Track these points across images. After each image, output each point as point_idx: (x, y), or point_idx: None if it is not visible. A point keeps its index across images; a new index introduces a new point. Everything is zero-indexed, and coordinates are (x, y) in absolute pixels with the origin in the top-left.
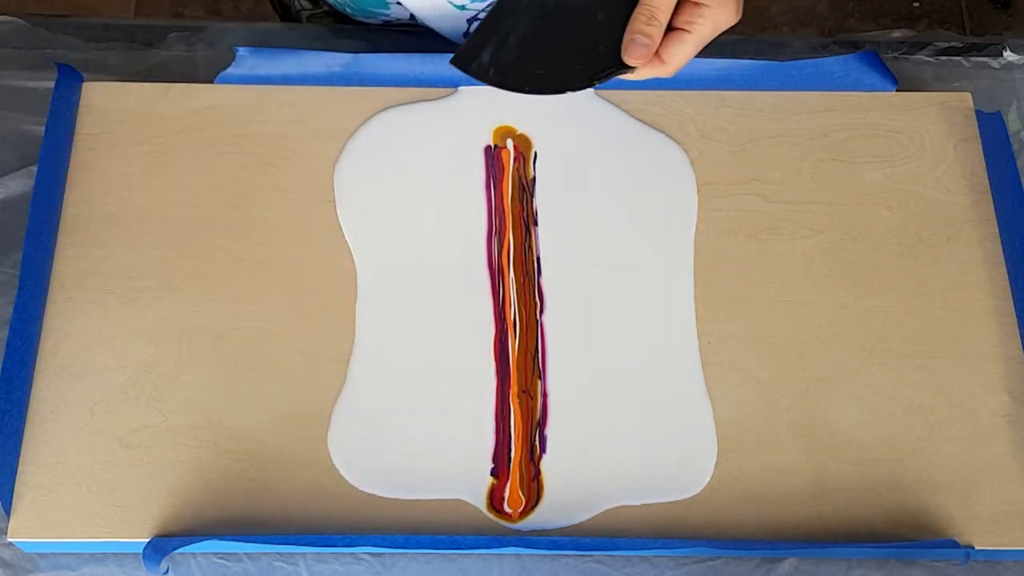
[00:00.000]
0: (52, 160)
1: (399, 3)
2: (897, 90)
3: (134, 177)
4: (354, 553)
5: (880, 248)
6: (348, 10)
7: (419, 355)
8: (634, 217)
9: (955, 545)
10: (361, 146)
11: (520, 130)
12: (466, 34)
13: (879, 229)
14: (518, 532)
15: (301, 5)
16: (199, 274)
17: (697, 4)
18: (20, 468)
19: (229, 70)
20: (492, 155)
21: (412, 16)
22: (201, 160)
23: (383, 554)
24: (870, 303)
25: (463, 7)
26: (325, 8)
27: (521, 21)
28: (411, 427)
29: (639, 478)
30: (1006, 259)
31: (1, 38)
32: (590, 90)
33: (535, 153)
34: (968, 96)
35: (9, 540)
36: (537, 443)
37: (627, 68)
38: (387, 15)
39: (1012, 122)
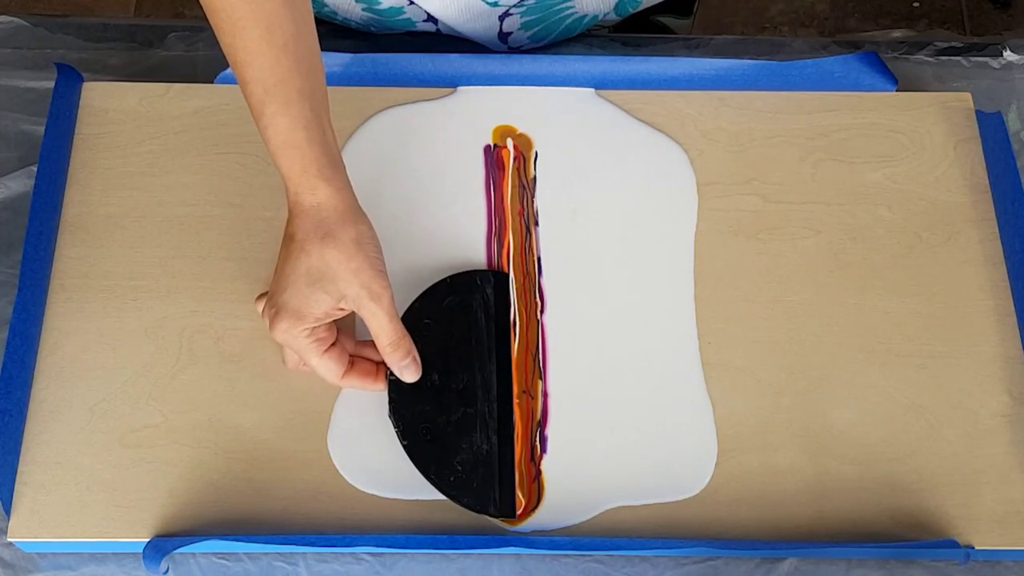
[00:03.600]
0: (52, 160)
1: (428, 19)
2: (897, 90)
3: (134, 177)
4: (354, 553)
5: (880, 248)
6: (373, 29)
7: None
8: (634, 217)
9: (955, 545)
10: (361, 146)
11: (520, 130)
12: (499, 34)
13: (879, 229)
14: (518, 533)
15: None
16: (199, 274)
17: None
18: (20, 468)
19: (229, 70)
20: (492, 155)
21: (438, 30)
22: (201, 160)
23: (383, 554)
24: (870, 303)
25: (495, 3)
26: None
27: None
28: None
29: (639, 478)
30: (1006, 259)
31: (1, 38)
32: (590, 90)
33: (535, 153)
34: (968, 96)
35: (9, 540)
36: (537, 443)
37: None
38: (412, 31)
39: (1012, 122)
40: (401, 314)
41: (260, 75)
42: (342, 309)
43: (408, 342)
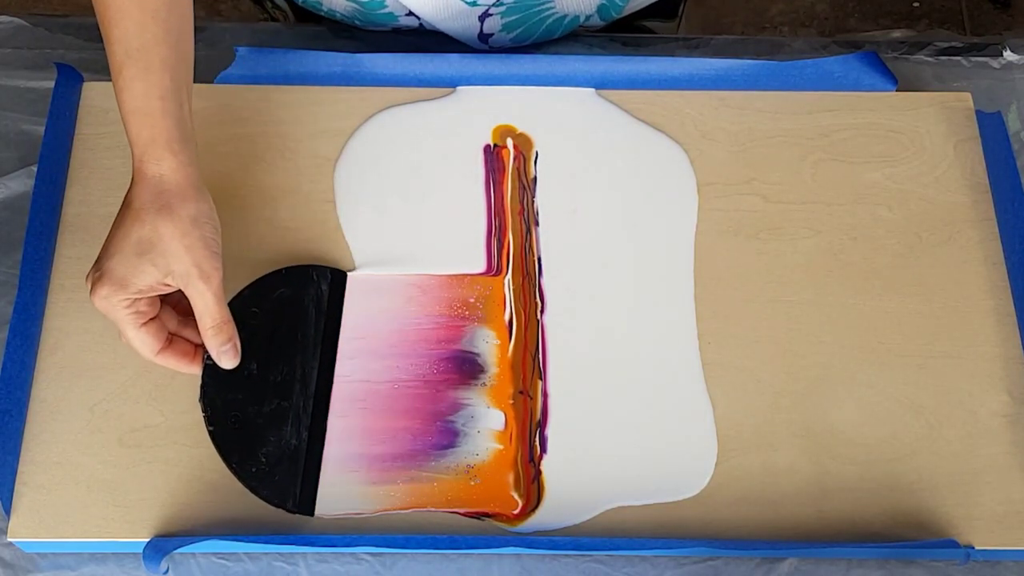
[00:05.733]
0: (52, 160)
1: (410, 13)
2: (897, 90)
3: None
4: (354, 553)
5: (880, 248)
6: (357, 22)
7: None
8: (634, 217)
9: (955, 545)
10: (361, 146)
11: (520, 129)
12: (479, 35)
13: (879, 229)
14: (518, 533)
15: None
16: None
17: None
18: (20, 468)
19: (229, 70)
20: (492, 154)
21: (421, 25)
22: (201, 160)
23: (383, 554)
24: (870, 303)
25: (474, 3)
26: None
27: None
28: None
29: (639, 478)
30: (1006, 259)
31: (1, 38)
32: (591, 90)
33: (536, 152)
34: (968, 96)
35: (9, 540)
36: (537, 443)
37: None
38: (396, 25)
39: (1012, 122)
40: (228, 300)
41: (125, 36)
42: (167, 285)
43: (231, 328)
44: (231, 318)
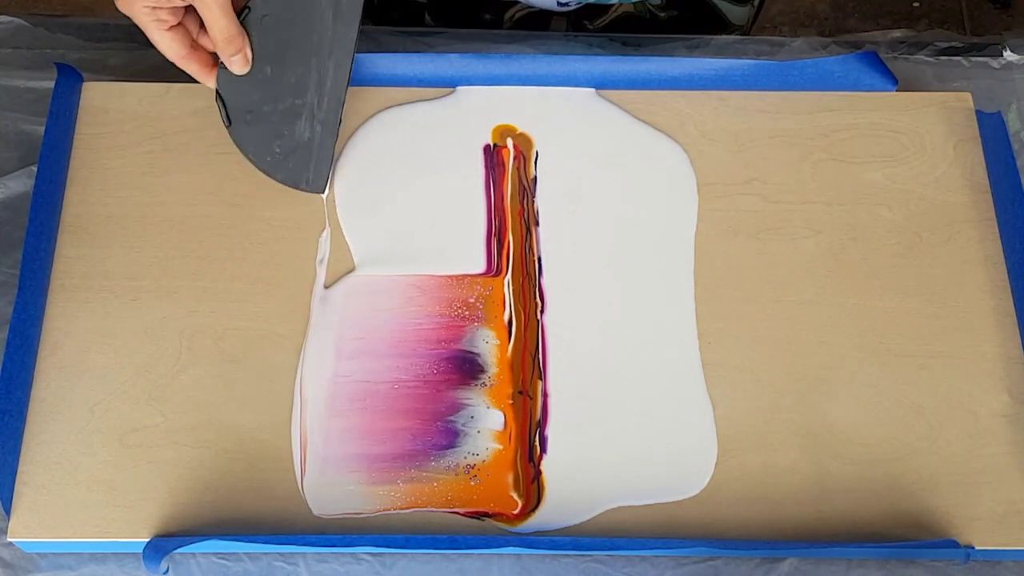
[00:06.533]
0: (52, 160)
1: None
2: (897, 90)
3: (134, 177)
4: (354, 553)
5: (880, 248)
6: None
7: None
8: (634, 217)
9: (955, 545)
10: (361, 146)
11: (520, 129)
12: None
13: (879, 229)
14: (518, 533)
15: None
16: (199, 274)
17: None
18: (20, 468)
19: None
20: (492, 154)
21: None
22: (201, 160)
23: (383, 554)
24: (870, 303)
25: None
26: None
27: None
28: None
29: (639, 478)
30: (1006, 259)
31: (1, 38)
32: (591, 90)
33: (536, 152)
34: (968, 96)
35: (9, 540)
36: (537, 443)
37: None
38: None
39: (1012, 122)
40: (243, 5)
41: None
42: None
43: (240, 40)
44: (241, 30)
